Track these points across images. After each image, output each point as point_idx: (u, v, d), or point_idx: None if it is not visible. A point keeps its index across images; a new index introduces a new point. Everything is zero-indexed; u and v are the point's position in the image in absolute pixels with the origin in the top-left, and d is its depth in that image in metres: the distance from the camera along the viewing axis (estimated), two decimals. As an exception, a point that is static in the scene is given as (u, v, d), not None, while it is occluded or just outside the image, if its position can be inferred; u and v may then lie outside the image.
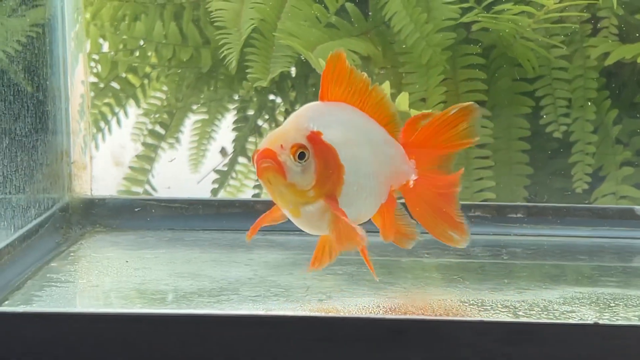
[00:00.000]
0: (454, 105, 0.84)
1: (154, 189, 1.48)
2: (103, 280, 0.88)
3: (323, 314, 0.74)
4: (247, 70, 1.21)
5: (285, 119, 1.56)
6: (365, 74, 0.79)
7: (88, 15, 1.28)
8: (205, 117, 1.49)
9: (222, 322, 0.73)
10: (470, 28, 1.26)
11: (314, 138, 0.74)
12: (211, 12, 1.27)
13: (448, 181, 0.84)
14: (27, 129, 0.93)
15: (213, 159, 1.53)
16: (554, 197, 1.24)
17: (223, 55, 1.21)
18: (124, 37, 1.33)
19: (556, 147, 1.27)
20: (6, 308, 0.78)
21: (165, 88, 1.48)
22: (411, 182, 0.82)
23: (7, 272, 0.87)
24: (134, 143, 1.52)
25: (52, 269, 0.92)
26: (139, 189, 1.48)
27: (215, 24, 1.24)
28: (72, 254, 0.97)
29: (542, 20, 1.19)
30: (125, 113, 1.50)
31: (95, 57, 1.32)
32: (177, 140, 1.53)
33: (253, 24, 1.20)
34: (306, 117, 0.76)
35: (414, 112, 1.06)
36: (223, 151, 1.53)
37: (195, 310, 0.75)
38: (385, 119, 0.81)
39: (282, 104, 1.50)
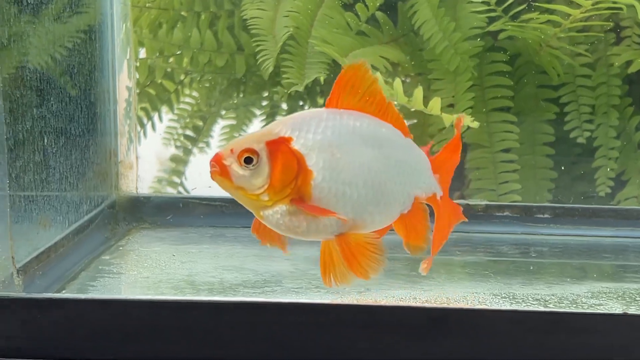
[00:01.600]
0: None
1: (186, 190, 1.53)
2: (153, 272, 0.92)
3: (365, 302, 0.79)
4: (283, 76, 1.25)
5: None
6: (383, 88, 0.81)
7: (128, 23, 1.33)
8: (234, 122, 1.54)
9: (269, 309, 0.77)
10: (496, 36, 1.31)
11: (274, 143, 0.76)
12: (245, 19, 1.33)
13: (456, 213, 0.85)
14: (80, 130, 0.98)
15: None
16: (577, 200, 1.28)
17: (259, 61, 1.26)
18: (163, 44, 1.38)
19: (580, 152, 1.31)
20: (67, 294, 0.83)
21: (195, 94, 1.54)
22: (438, 198, 0.83)
23: (62, 263, 0.92)
24: (165, 146, 1.58)
25: (104, 261, 0.96)
26: (173, 191, 1.54)
27: (252, 31, 1.29)
28: (120, 248, 1.02)
29: (567, 29, 1.23)
30: (160, 117, 1.55)
31: (136, 62, 1.37)
32: (208, 144, 1.58)
33: (289, 32, 1.25)
34: (285, 123, 0.78)
35: (445, 117, 1.11)
36: None
37: (244, 298, 0.80)
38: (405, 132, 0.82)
39: (310, 106, 1.55)
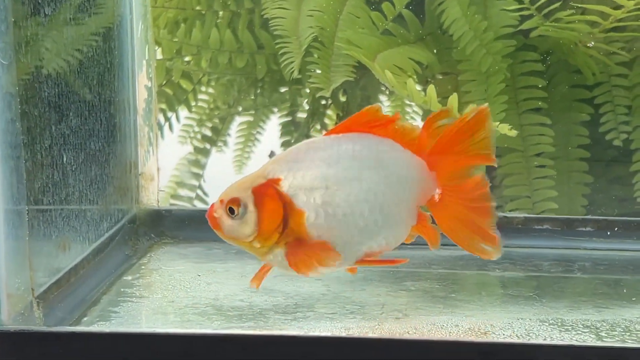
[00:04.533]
0: (471, 109, 0.80)
1: (205, 193, 1.49)
2: (177, 295, 0.88)
3: (410, 337, 0.74)
4: (309, 81, 1.21)
5: (335, 123, 1.57)
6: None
7: (146, 24, 1.28)
8: (251, 119, 1.50)
9: (304, 344, 0.73)
10: (527, 34, 1.25)
11: (260, 189, 0.75)
12: (266, 18, 1.28)
13: (479, 194, 0.80)
14: (100, 143, 0.93)
15: (259, 162, 1.54)
16: (613, 206, 1.23)
17: (283, 64, 1.21)
18: (182, 44, 1.33)
19: (616, 155, 1.26)
20: (90, 328, 0.78)
21: (211, 91, 1.49)
22: (436, 197, 0.79)
23: (83, 287, 0.87)
24: (181, 145, 1.53)
25: (126, 282, 0.92)
26: (192, 194, 1.49)
27: (275, 32, 1.24)
28: (142, 267, 0.97)
29: (607, 29, 1.17)
30: (177, 118, 1.51)
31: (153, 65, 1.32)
32: (225, 143, 1.54)
33: (313, 33, 1.20)
34: (279, 161, 0.76)
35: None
36: (272, 155, 1.53)
37: (281, 332, 0.75)
38: (408, 139, 0.78)
39: (332, 105, 1.51)
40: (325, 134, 0.79)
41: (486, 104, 0.81)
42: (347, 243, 0.76)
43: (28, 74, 0.77)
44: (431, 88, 1.04)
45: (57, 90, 0.82)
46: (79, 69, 0.88)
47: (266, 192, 0.75)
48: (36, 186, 0.79)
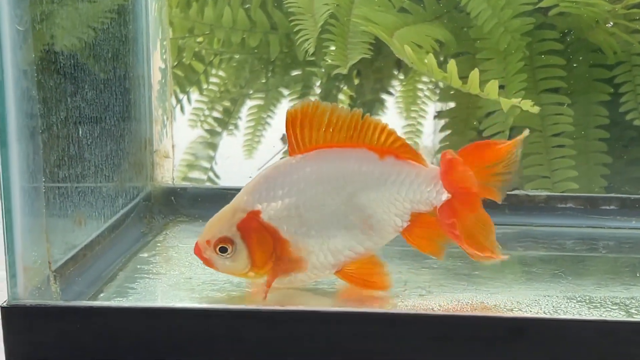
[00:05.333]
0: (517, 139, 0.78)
1: (217, 176, 1.47)
2: (195, 272, 0.86)
3: (439, 312, 0.72)
4: (325, 57, 1.18)
5: (349, 106, 1.55)
6: (349, 109, 0.77)
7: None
8: (261, 102, 1.48)
9: (325, 318, 0.71)
10: (546, 12, 1.23)
11: (245, 224, 0.77)
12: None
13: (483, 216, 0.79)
14: (115, 118, 0.91)
15: (269, 145, 1.52)
16: (632, 187, 1.21)
17: (298, 42, 1.19)
18: (194, 22, 1.31)
19: (635, 136, 1.24)
20: (109, 302, 0.77)
21: (222, 74, 1.47)
22: (438, 206, 0.78)
23: (99, 263, 0.86)
24: (191, 129, 1.52)
25: (142, 259, 0.90)
26: (204, 176, 1.48)
27: (290, 9, 1.21)
28: (158, 244, 0.96)
29: (629, 6, 1.15)
30: (189, 99, 1.49)
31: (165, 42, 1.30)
32: (236, 126, 1.52)
33: (329, 10, 1.18)
34: (250, 192, 0.78)
35: (504, 102, 1.03)
36: (284, 138, 1.51)
37: (304, 307, 0.73)
38: (397, 145, 0.78)
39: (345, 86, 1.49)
40: (289, 155, 0.78)
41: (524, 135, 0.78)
42: (325, 256, 0.78)
43: (44, 44, 0.75)
44: (452, 63, 1.02)
45: (72, 61, 0.80)
46: (94, 42, 0.86)
47: (251, 226, 0.77)
48: (52, 159, 0.77)
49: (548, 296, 0.79)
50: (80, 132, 0.82)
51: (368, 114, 0.78)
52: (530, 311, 0.75)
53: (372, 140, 0.77)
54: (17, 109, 0.70)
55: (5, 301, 0.72)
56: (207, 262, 0.78)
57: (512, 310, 0.75)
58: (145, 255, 0.92)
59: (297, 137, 0.77)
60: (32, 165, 0.72)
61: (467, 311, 0.72)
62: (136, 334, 0.71)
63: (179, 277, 0.85)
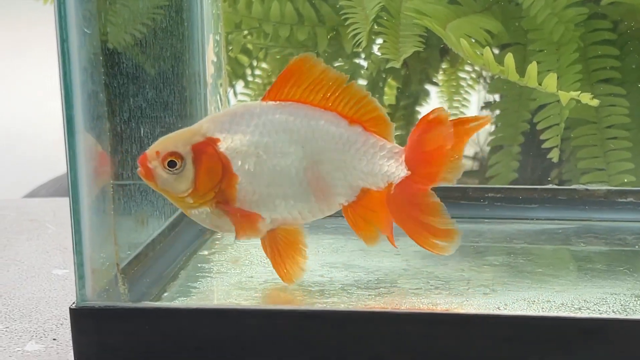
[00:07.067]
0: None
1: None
2: (256, 271, 0.86)
3: (503, 313, 0.71)
4: (379, 50, 1.18)
5: (396, 98, 1.54)
6: (341, 73, 0.77)
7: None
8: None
9: (398, 320, 0.71)
10: (598, 2, 1.21)
11: (201, 147, 0.76)
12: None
13: (423, 191, 0.78)
14: (173, 117, 0.91)
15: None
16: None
17: (349, 35, 1.18)
18: (243, 17, 1.31)
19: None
20: (177, 304, 0.77)
21: (265, 66, 1.47)
22: (393, 186, 0.78)
23: (160, 262, 0.86)
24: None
25: (202, 258, 0.90)
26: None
27: (340, 2, 1.21)
28: (217, 242, 0.96)
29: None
30: (235, 93, 1.49)
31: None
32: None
33: (380, 2, 1.17)
34: (215, 121, 0.77)
35: (562, 95, 1.02)
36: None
37: (371, 308, 0.73)
38: (368, 117, 0.78)
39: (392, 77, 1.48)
40: (262, 99, 0.78)
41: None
42: (269, 211, 0.77)
43: (109, 44, 0.75)
44: (509, 57, 1.01)
45: (133, 61, 0.80)
46: (154, 40, 0.86)
47: (206, 150, 0.75)
48: (116, 159, 0.77)
49: (615, 294, 0.78)
50: (142, 132, 0.82)
51: (354, 81, 0.79)
52: (599, 310, 0.74)
53: (345, 107, 0.78)
54: (84, 111, 0.70)
55: (74, 303, 0.73)
56: (147, 174, 0.76)
57: (580, 309, 0.74)
58: (205, 253, 0.92)
59: (279, 85, 0.77)
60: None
61: (536, 312, 0.71)
62: (204, 335, 0.71)
63: (240, 276, 0.85)
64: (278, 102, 0.78)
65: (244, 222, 0.78)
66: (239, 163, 0.76)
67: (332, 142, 0.78)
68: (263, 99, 0.78)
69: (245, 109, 0.78)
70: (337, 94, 0.78)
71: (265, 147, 0.77)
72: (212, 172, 0.76)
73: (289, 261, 0.79)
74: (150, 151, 0.76)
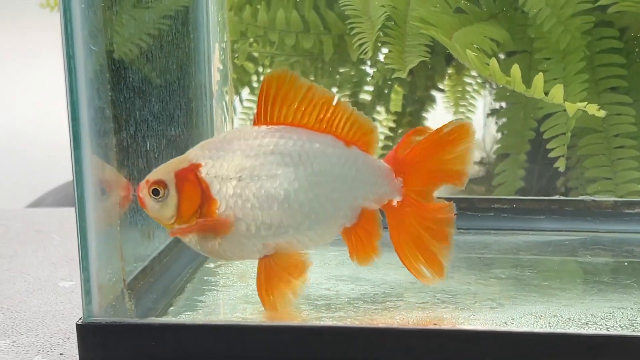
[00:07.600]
0: (449, 122, 0.79)
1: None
2: (262, 284, 0.86)
3: (513, 329, 0.71)
4: (385, 60, 1.17)
5: (402, 105, 1.53)
6: (325, 89, 0.77)
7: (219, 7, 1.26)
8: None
9: (406, 335, 0.71)
10: (604, 10, 1.21)
11: (183, 174, 0.76)
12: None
13: (443, 218, 0.78)
14: (179, 129, 0.91)
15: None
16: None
17: (355, 45, 1.18)
18: (248, 25, 1.31)
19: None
20: (185, 319, 0.77)
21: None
22: (394, 202, 0.79)
23: (167, 275, 0.86)
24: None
25: (208, 270, 0.90)
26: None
27: (346, 12, 1.20)
28: (223, 254, 0.95)
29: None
30: (241, 100, 1.49)
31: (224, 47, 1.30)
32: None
33: (385, 12, 1.17)
34: (204, 147, 0.77)
35: (569, 107, 1.01)
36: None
37: (379, 324, 0.73)
38: (358, 135, 0.78)
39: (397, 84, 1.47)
40: (253, 124, 0.78)
41: (465, 121, 0.79)
42: (252, 236, 0.76)
43: (114, 59, 0.75)
44: (515, 68, 1.01)
45: (139, 75, 0.80)
46: (159, 53, 0.86)
47: (187, 176, 0.76)
48: (123, 173, 0.77)
49: (622, 308, 0.78)
50: (148, 146, 0.82)
51: (341, 99, 0.78)
52: (606, 325, 0.74)
53: (338, 127, 0.77)
54: (90, 127, 0.70)
55: (80, 318, 0.73)
56: (141, 202, 0.77)
57: (587, 324, 0.74)
58: (211, 266, 0.92)
59: (267, 108, 0.76)
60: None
61: (544, 329, 0.71)
62: (210, 351, 0.71)
63: (246, 289, 0.85)
64: (271, 126, 0.77)
65: (219, 228, 0.76)
66: (218, 187, 0.76)
67: (331, 164, 0.77)
68: (254, 124, 0.77)
69: (234, 134, 0.77)
70: (329, 114, 0.77)
71: (251, 170, 0.76)
72: (192, 197, 0.76)
73: (274, 291, 0.77)
74: (143, 180, 0.77)
